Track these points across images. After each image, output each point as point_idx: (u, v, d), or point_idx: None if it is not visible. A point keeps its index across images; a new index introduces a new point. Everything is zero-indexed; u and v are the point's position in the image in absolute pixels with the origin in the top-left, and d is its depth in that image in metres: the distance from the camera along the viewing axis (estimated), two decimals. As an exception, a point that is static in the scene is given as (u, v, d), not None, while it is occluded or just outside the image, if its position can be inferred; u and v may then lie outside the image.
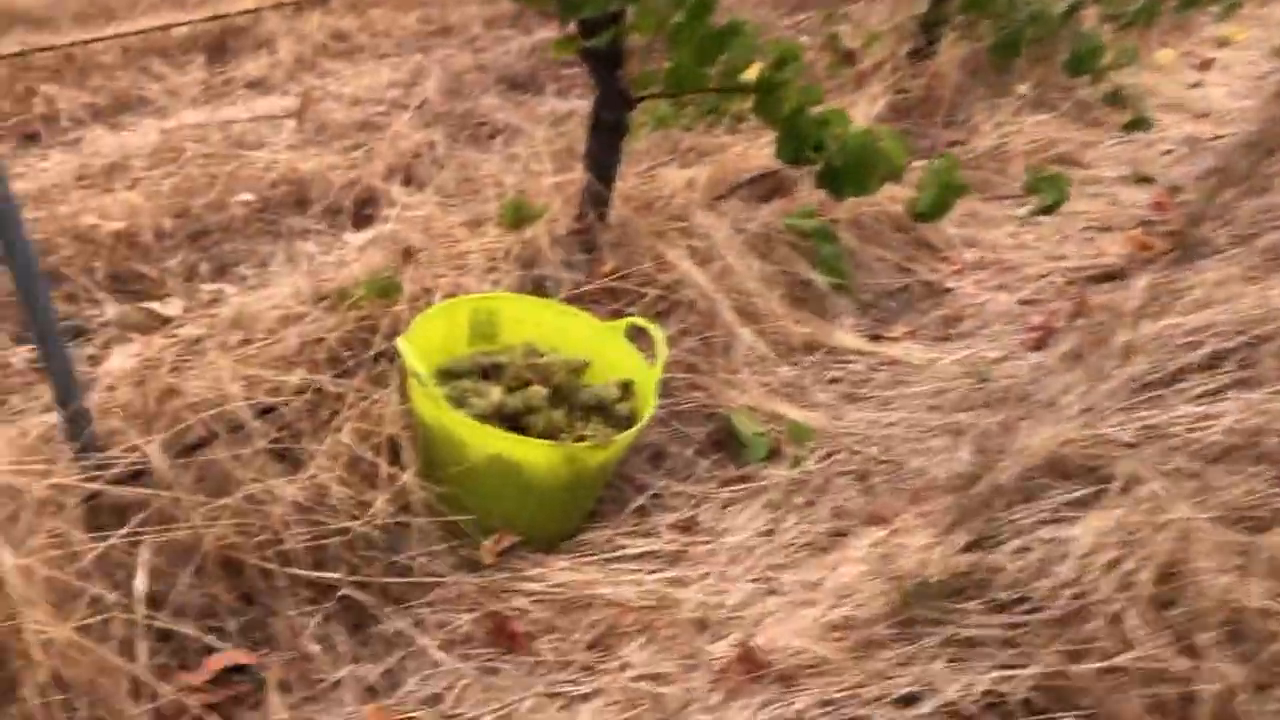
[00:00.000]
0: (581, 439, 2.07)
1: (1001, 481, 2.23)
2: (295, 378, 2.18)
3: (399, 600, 2.04)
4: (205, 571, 1.90)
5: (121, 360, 2.86)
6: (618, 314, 2.66)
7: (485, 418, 2.09)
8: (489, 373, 2.24)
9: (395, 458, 2.09)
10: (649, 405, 2.18)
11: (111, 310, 3.04)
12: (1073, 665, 1.74)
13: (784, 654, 1.95)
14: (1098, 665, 1.75)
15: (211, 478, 1.98)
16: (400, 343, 2.06)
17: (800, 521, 2.36)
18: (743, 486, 2.44)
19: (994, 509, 2.18)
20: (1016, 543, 2.06)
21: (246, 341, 2.59)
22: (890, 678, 1.83)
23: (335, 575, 1.95)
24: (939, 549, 2.19)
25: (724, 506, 2.40)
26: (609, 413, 2.21)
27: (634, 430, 2.12)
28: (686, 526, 2.33)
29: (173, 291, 3.18)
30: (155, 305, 3.10)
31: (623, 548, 2.24)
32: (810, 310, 3.02)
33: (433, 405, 2.04)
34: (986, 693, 1.74)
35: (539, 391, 2.13)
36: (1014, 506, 2.14)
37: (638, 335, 2.42)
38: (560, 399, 2.19)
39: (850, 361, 2.92)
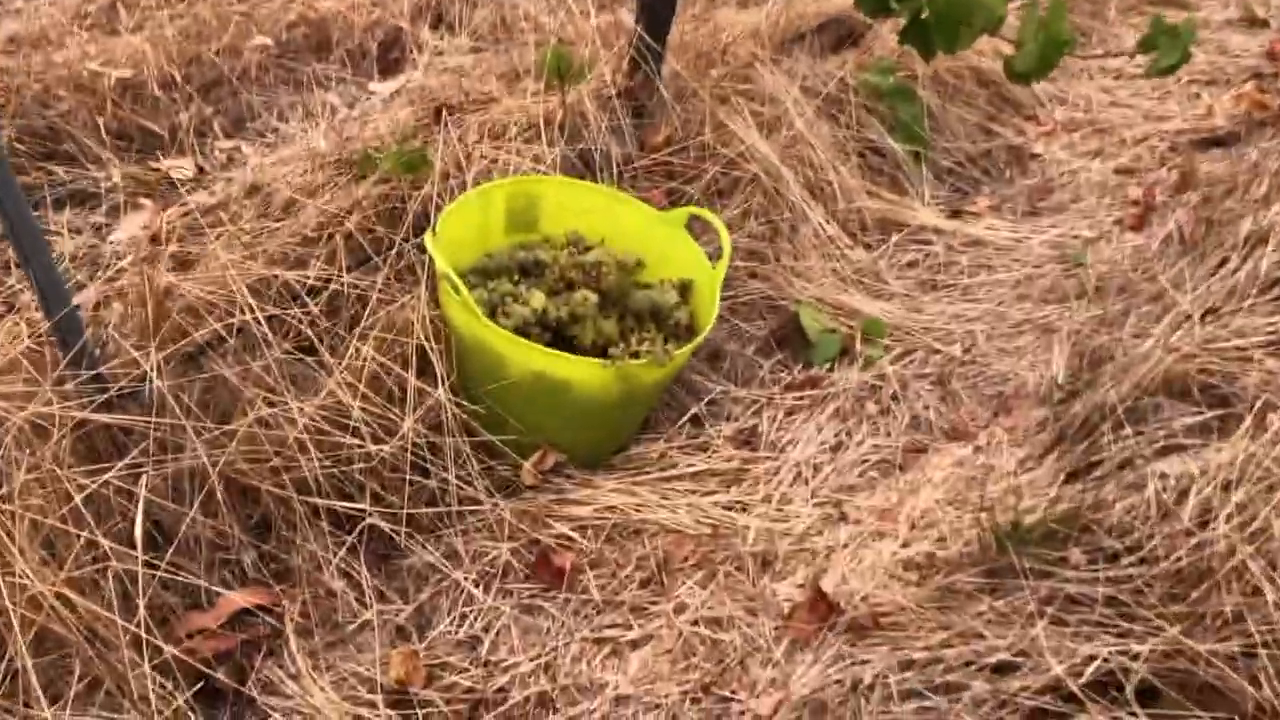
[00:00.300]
0: (635, 355, 1.82)
1: (1105, 400, 1.98)
2: (312, 273, 1.94)
3: (430, 529, 1.85)
4: (215, 504, 1.70)
5: (129, 230, 2.63)
6: (673, 194, 2.38)
7: (526, 327, 1.84)
8: (529, 270, 1.98)
9: (424, 370, 1.86)
10: (711, 312, 1.93)
11: (117, 173, 2.78)
12: (1193, 641, 1.52)
13: (856, 599, 1.75)
14: (1219, 643, 1.53)
15: (219, 396, 1.77)
16: (428, 242, 1.80)
17: (873, 434, 2.13)
18: (808, 393, 2.20)
19: (1098, 433, 1.94)
20: (1125, 477, 1.82)
21: (263, 216, 2.35)
22: (981, 637, 1.62)
23: (359, 506, 1.75)
24: (1033, 475, 1.96)
25: (787, 415, 2.16)
26: (665, 320, 1.96)
27: (694, 343, 1.87)
28: (747, 440, 2.10)
29: (184, 150, 2.91)
30: (165, 167, 2.85)
31: (676, 465, 2.02)
32: (885, 183, 2.71)
33: (467, 315, 1.79)
34: (1094, 666, 1.53)
35: (587, 298, 1.87)
36: (1121, 431, 1.90)
37: (694, 224, 2.15)
38: (611, 304, 1.94)
39: (928, 242, 2.63)
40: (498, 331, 1.78)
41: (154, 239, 2.44)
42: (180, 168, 2.87)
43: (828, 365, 2.26)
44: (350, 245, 2.03)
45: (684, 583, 1.80)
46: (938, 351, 2.33)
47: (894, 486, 2.01)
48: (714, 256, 2.17)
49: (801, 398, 2.20)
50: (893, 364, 2.27)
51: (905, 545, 1.87)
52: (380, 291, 1.90)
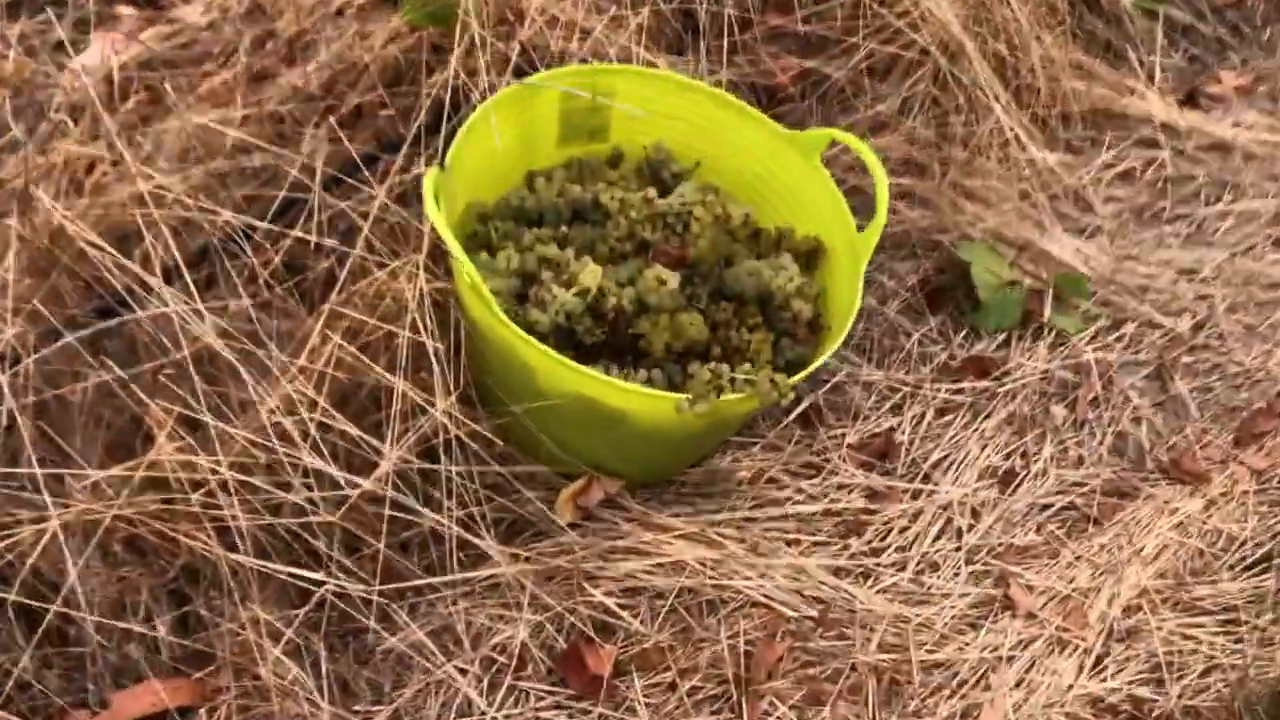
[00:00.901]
0: (731, 382, 1.20)
1: None
2: (274, 201, 1.34)
3: (419, 593, 1.32)
4: (113, 557, 1.19)
5: (98, 55, 2.04)
6: (806, 77, 1.69)
7: (569, 322, 1.24)
8: (584, 214, 1.35)
9: (419, 366, 1.28)
10: (850, 299, 1.29)
11: (89, -29, 2.14)
12: None
13: (1024, 768, 1.20)
14: None
15: (110, 408, 1.22)
16: (429, 203, 1.19)
17: (1059, 459, 1.52)
18: (971, 384, 1.58)
19: None
20: None
21: (262, 55, 1.74)
22: None
23: (313, 577, 1.21)
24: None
25: (939, 416, 1.56)
26: (779, 310, 1.32)
27: (818, 362, 1.25)
28: (880, 454, 1.50)
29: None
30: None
31: (772, 495, 1.44)
32: (1098, 53, 1.97)
33: (485, 310, 1.20)
34: None
35: (664, 281, 1.24)
36: None
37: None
38: (700, 278, 1.31)
39: (1153, 144, 1.91)
40: (529, 345, 1.17)
41: (108, 80, 1.86)
42: (174, -35, 2.23)
43: (1002, 338, 1.63)
44: (337, 151, 1.42)
45: (773, 709, 1.26)
46: (1156, 326, 1.67)
47: (1085, 555, 1.41)
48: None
49: (960, 390, 1.58)
50: (1092, 344, 1.63)
51: (1097, 669, 1.30)
52: (364, 242, 1.30)
